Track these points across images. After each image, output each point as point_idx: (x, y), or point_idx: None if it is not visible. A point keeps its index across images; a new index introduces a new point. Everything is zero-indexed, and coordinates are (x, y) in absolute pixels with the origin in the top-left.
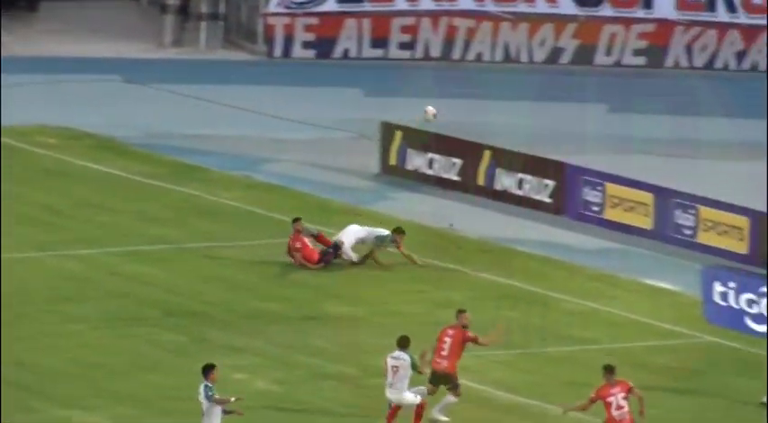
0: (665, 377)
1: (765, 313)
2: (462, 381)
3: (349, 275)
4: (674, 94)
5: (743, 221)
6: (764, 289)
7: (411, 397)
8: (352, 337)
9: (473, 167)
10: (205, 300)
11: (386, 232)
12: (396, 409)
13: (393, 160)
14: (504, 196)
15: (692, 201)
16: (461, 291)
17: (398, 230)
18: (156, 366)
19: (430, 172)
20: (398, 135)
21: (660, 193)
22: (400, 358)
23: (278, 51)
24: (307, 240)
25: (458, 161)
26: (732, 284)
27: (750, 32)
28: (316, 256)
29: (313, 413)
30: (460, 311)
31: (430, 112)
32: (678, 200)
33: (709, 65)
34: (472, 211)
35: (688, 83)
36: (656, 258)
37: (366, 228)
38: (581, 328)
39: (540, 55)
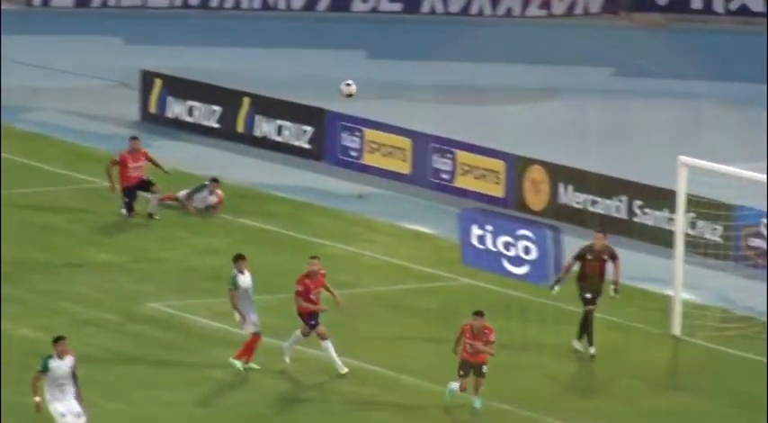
0: (423, 319)
1: (522, 255)
2: (224, 326)
3: (111, 224)
4: (432, 39)
5: (499, 165)
6: (521, 232)
7: (249, 327)
8: (114, 284)
9: (232, 114)
10: None
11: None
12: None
13: (153, 108)
14: (263, 143)
15: (449, 145)
16: (222, 237)
17: (214, 179)
18: None
19: (190, 119)
20: (158, 83)
21: (418, 138)
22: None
23: (37, 0)
24: (131, 165)
25: (217, 108)
26: (489, 227)
27: None
28: (131, 182)
29: (77, 359)
30: (312, 257)
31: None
32: (436, 144)
33: (465, 11)
34: (232, 157)
35: (447, 28)
36: (415, 203)
37: None
38: (342, 272)
39: (297, 2)
